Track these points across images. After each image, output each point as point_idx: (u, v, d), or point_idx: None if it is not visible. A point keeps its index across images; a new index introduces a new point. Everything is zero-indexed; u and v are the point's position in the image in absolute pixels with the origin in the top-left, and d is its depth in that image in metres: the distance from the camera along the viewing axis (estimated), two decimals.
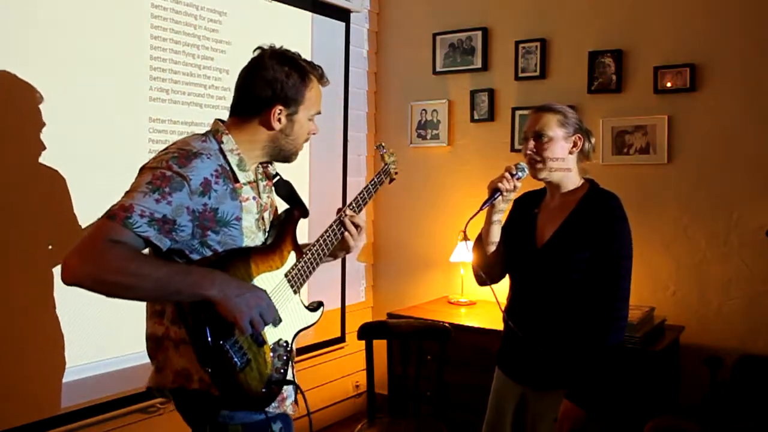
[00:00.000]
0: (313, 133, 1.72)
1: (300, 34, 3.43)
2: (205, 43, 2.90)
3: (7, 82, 2.23)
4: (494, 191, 1.97)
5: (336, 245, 1.78)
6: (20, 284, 2.27)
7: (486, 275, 2.07)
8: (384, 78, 4.09)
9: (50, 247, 2.36)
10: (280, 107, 1.60)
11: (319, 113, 1.70)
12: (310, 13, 3.48)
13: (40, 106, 2.31)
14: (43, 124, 2.32)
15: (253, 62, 1.66)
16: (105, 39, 2.52)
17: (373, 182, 1.93)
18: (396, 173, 2.05)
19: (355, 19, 3.83)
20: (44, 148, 2.32)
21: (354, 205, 1.84)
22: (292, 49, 1.68)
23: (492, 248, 2.05)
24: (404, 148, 3.95)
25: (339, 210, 1.81)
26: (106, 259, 1.33)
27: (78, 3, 2.43)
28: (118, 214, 1.37)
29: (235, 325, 1.43)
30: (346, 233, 1.78)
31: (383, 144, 2.07)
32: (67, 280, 1.33)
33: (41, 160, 2.32)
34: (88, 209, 2.40)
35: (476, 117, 3.72)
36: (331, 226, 1.76)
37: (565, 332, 1.92)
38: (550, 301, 1.95)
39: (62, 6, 2.38)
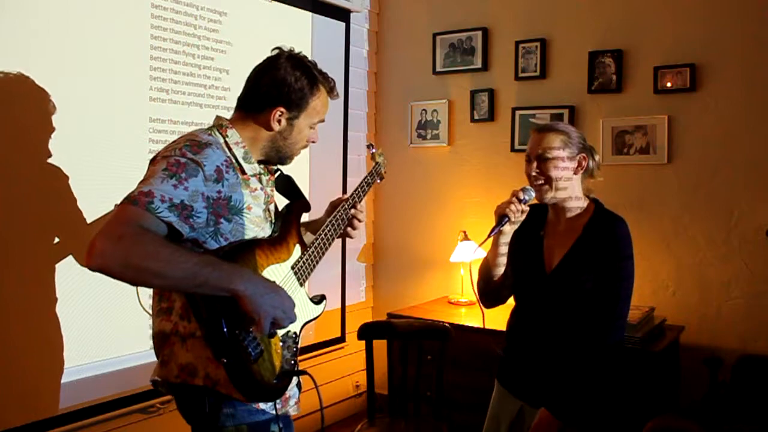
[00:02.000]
0: (313, 142, 1.73)
1: (300, 34, 3.43)
2: (205, 43, 2.90)
3: (9, 81, 2.23)
4: (502, 217, 1.91)
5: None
6: (20, 284, 2.27)
7: (489, 300, 2.08)
8: (384, 78, 4.09)
9: (50, 246, 2.36)
10: (282, 109, 1.61)
11: (322, 122, 1.71)
12: (310, 13, 3.48)
13: (41, 106, 2.31)
14: (44, 124, 2.32)
15: (268, 61, 1.66)
16: (105, 39, 2.52)
17: (366, 181, 1.96)
18: (385, 172, 2.08)
19: (355, 19, 3.83)
20: (44, 147, 2.32)
21: (352, 200, 1.88)
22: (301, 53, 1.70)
23: (499, 272, 2.01)
24: (404, 148, 3.95)
25: (339, 200, 1.87)
26: (138, 244, 1.32)
27: (78, 3, 2.43)
28: (140, 200, 1.37)
29: (255, 323, 1.43)
30: (350, 228, 1.84)
31: (372, 144, 2.11)
32: (94, 264, 1.29)
33: (41, 159, 2.32)
34: (87, 209, 2.40)
35: (476, 117, 3.72)
36: (331, 220, 1.79)
37: (566, 353, 1.90)
38: (555, 325, 1.93)
39: (62, 6, 2.38)
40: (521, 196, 1.92)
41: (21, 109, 2.29)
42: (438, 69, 3.84)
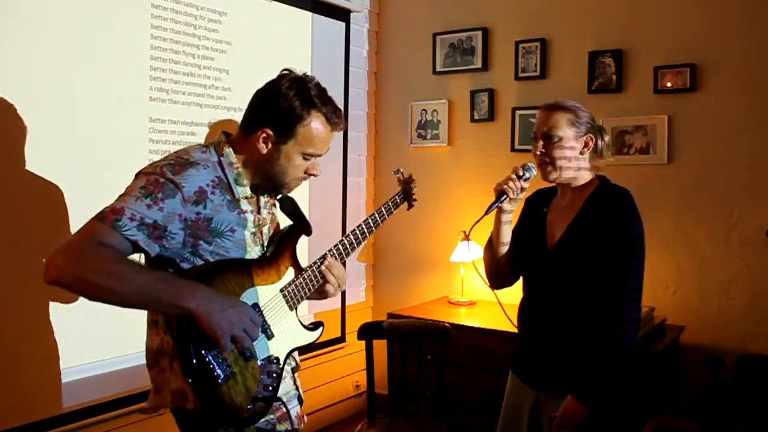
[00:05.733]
0: (312, 175, 1.61)
1: (300, 34, 3.43)
2: (205, 43, 2.90)
3: (7, 81, 2.23)
4: (500, 194, 1.91)
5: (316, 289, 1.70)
6: (20, 284, 2.27)
7: (496, 280, 2.03)
8: (384, 78, 4.09)
9: (49, 247, 2.35)
10: (268, 131, 1.52)
11: (318, 155, 1.59)
12: (310, 13, 3.48)
13: (40, 107, 2.31)
14: (43, 125, 2.31)
15: (271, 80, 1.58)
16: (105, 39, 2.52)
17: (386, 206, 1.86)
18: (415, 200, 1.97)
19: (355, 19, 3.83)
20: (44, 148, 2.32)
21: (350, 241, 1.75)
22: (302, 66, 1.63)
23: (503, 250, 2.00)
24: (404, 148, 3.95)
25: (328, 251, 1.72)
26: (91, 259, 1.32)
27: (78, 3, 2.42)
28: (107, 216, 1.37)
29: (215, 341, 1.40)
30: (327, 284, 1.69)
31: (401, 169, 1.99)
32: (49, 278, 1.32)
33: (40, 160, 2.31)
34: (87, 210, 2.38)
35: (476, 117, 3.72)
36: (337, 245, 1.71)
37: (576, 334, 1.86)
38: (561, 302, 1.89)
39: (62, 6, 2.38)
40: (520, 172, 1.91)
41: (20, 110, 2.29)
42: (438, 69, 3.84)
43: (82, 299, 2.39)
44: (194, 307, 1.37)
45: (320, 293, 1.72)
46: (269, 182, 1.59)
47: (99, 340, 2.50)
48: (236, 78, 2.98)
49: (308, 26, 3.48)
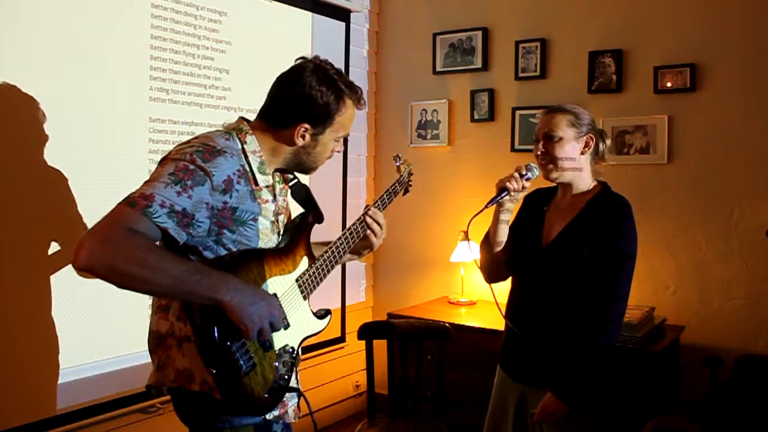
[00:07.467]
0: (338, 151, 1.71)
1: (300, 34, 3.43)
2: (205, 43, 2.90)
3: (8, 82, 2.23)
4: (501, 190, 1.96)
5: (359, 243, 1.78)
6: (19, 284, 2.27)
7: (491, 275, 2.10)
8: (384, 78, 4.09)
9: (49, 247, 2.36)
10: (306, 126, 1.57)
11: (347, 134, 1.69)
12: (310, 13, 3.48)
13: (41, 106, 2.31)
14: (43, 124, 2.32)
15: (292, 73, 1.60)
16: (105, 39, 2.52)
17: (387, 192, 1.91)
18: (410, 184, 2.04)
19: (355, 19, 3.83)
20: (44, 148, 2.32)
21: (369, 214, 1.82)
22: (330, 60, 1.67)
23: (499, 247, 2.06)
24: (404, 148, 3.94)
25: (366, 208, 1.81)
26: (125, 248, 1.29)
27: (78, 3, 2.43)
28: (138, 202, 1.33)
29: (243, 332, 1.41)
30: (369, 231, 1.77)
31: (400, 155, 2.06)
32: (80, 264, 1.26)
33: (41, 160, 2.32)
34: (87, 210, 2.40)
35: (476, 117, 3.72)
36: (345, 233, 1.74)
37: (563, 331, 1.92)
38: (550, 300, 1.96)
39: (62, 6, 2.38)
40: (523, 171, 1.97)
41: (20, 110, 2.29)
42: (438, 69, 3.83)
43: (82, 298, 2.41)
44: (228, 300, 1.37)
45: (358, 251, 1.80)
46: (300, 167, 1.66)
47: (98, 341, 2.50)
48: (236, 78, 2.98)
49: (308, 26, 3.48)
